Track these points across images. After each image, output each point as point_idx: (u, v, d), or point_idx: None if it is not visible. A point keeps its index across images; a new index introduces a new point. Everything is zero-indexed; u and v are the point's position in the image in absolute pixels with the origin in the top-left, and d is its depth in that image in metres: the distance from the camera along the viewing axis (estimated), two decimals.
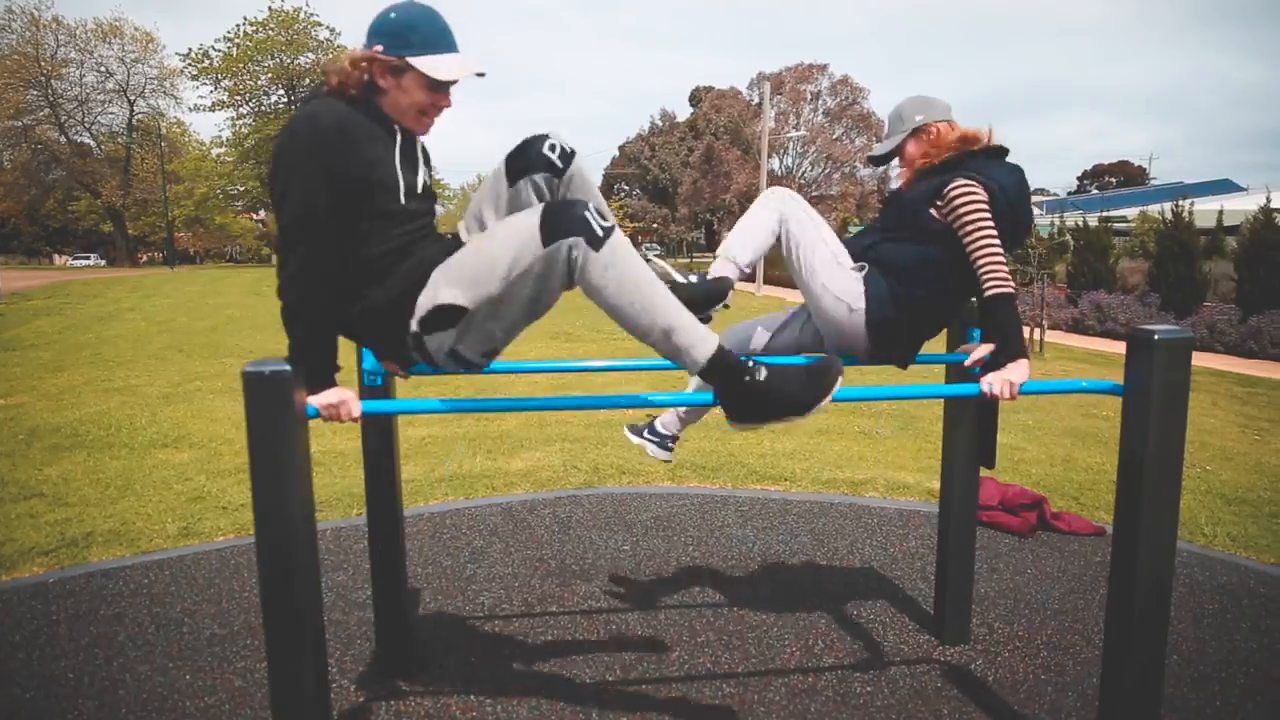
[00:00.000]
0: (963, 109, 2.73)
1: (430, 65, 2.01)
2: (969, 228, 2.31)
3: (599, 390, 8.08)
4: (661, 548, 4.01)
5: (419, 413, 2.19)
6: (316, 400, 1.93)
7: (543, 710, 2.62)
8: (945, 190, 2.40)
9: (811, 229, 2.57)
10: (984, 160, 2.49)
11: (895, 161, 2.75)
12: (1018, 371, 2.23)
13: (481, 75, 2.07)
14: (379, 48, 2.01)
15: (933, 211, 2.43)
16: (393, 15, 2.02)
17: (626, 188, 65.00)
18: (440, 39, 2.04)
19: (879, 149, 2.71)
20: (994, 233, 2.30)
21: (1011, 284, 2.28)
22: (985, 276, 2.28)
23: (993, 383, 2.21)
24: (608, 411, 6.89)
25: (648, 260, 2.16)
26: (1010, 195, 2.41)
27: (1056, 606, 3.39)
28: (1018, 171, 2.48)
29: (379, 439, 2.71)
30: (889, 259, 2.50)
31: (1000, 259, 2.29)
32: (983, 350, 2.54)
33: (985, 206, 2.33)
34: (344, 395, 1.96)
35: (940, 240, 2.40)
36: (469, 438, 6.18)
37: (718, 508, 4.61)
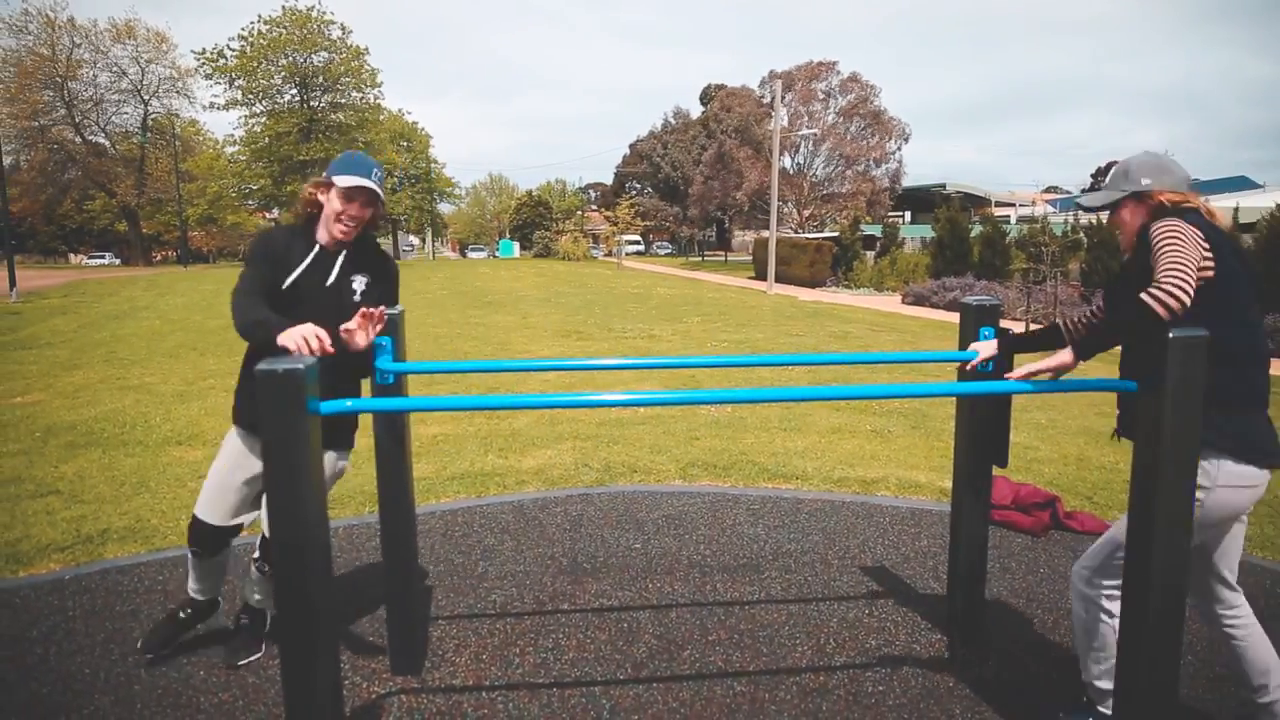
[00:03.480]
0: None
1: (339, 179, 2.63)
2: (1159, 254, 2.05)
3: (610, 388, 8.09)
4: (673, 546, 4.01)
5: (433, 410, 2.20)
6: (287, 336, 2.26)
7: (554, 708, 2.63)
8: (1150, 234, 2.14)
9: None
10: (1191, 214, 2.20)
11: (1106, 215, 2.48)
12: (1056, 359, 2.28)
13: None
14: (323, 177, 2.68)
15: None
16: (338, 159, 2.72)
17: (638, 186, 64.96)
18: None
19: (1091, 199, 2.45)
20: (1187, 258, 2.01)
21: (1168, 301, 1.95)
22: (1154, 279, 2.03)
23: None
24: (619, 410, 6.89)
25: None
26: (1218, 234, 2.17)
27: (1070, 606, 3.36)
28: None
29: (391, 438, 2.72)
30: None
31: (1179, 272, 1.99)
32: (990, 349, 2.63)
33: (1187, 242, 2.05)
34: (304, 329, 2.27)
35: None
36: (480, 436, 6.20)
37: (729, 506, 4.60)
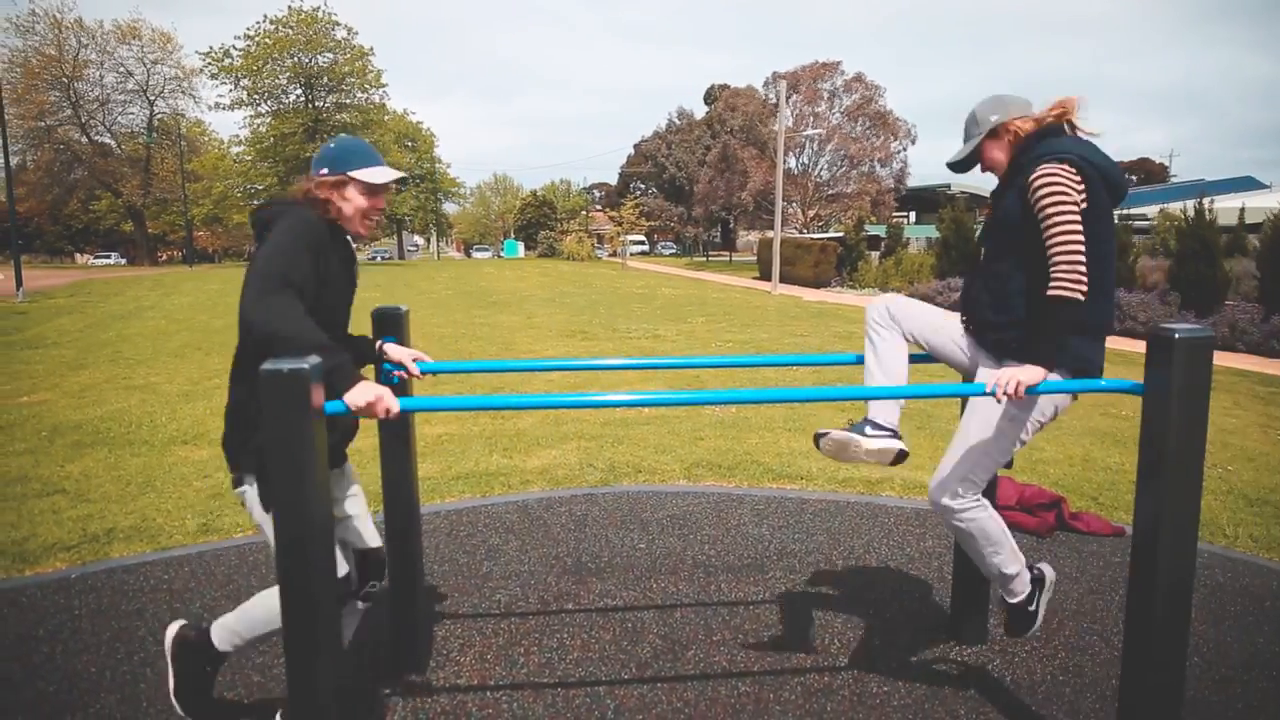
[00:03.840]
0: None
1: (367, 174, 2.34)
2: (1046, 221, 2.23)
3: (614, 388, 8.09)
4: (677, 546, 4.01)
5: (438, 410, 2.20)
6: (351, 398, 2.00)
7: (558, 707, 2.63)
8: (1029, 184, 2.28)
9: (919, 314, 2.64)
10: (1054, 138, 2.37)
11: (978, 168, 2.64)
12: (1028, 373, 2.20)
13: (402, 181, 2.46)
14: (324, 171, 2.33)
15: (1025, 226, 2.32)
16: (331, 146, 2.38)
17: (642, 186, 64.96)
18: (371, 155, 2.37)
19: (956, 155, 2.59)
20: (1073, 226, 2.20)
21: (1078, 289, 2.17)
22: (1051, 273, 2.21)
23: (1000, 380, 2.20)
24: (623, 410, 6.90)
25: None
26: (1095, 160, 2.30)
27: (1075, 607, 3.36)
28: (1087, 144, 2.37)
29: (396, 437, 2.73)
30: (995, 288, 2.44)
31: (1073, 257, 2.17)
32: None
33: (1066, 193, 2.22)
34: (379, 391, 2.03)
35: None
36: (485, 436, 6.20)
37: (734, 506, 4.60)
